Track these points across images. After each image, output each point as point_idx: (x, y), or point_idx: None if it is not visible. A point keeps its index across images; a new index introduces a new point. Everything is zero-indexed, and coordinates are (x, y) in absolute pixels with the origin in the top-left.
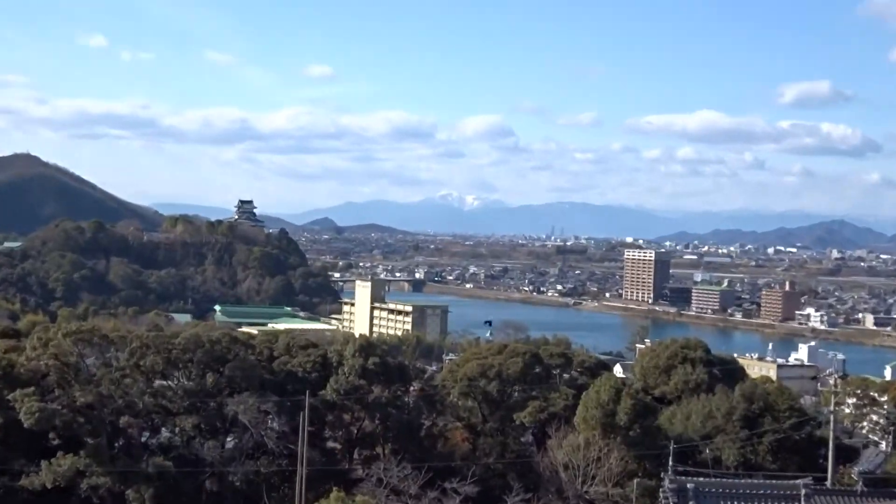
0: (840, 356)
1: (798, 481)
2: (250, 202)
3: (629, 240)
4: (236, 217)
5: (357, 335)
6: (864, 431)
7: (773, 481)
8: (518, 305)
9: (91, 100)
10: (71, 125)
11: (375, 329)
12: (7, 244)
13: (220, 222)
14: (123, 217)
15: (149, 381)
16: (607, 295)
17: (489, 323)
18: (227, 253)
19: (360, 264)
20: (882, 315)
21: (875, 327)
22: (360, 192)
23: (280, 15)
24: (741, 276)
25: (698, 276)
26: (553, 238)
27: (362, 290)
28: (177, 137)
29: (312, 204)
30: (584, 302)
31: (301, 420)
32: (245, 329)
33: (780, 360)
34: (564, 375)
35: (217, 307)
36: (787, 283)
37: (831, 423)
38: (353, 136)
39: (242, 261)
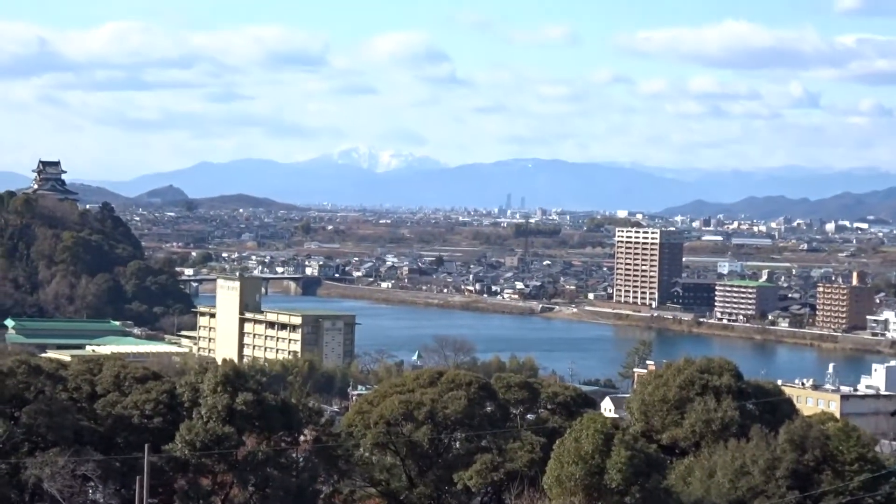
0: None
1: None
2: (56, 164)
3: (622, 213)
4: (36, 187)
5: (220, 361)
6: None
7: None
8: (460, 313)
9: None
10: None
11: (247, 352)
12: None
13: (11, 195)
14: None
15: None
16: (591, 296)
17: None
18: (23, 240)
19: (224, 255)
20: None
21: None
22: (221, 148)
23: None
24: (787, 265)
25: (724, 267)
26: (510, 212)
27: (227, 295)
28: None
29: (150, 166)
30: (557, 307)
31: (138, 488)
32: (52, 354)
33: (845, 389)
34: (529, 416)
35: (9, 322)
36: (856, 276)
37: None
38: (208, 63)
39: (46, 252)
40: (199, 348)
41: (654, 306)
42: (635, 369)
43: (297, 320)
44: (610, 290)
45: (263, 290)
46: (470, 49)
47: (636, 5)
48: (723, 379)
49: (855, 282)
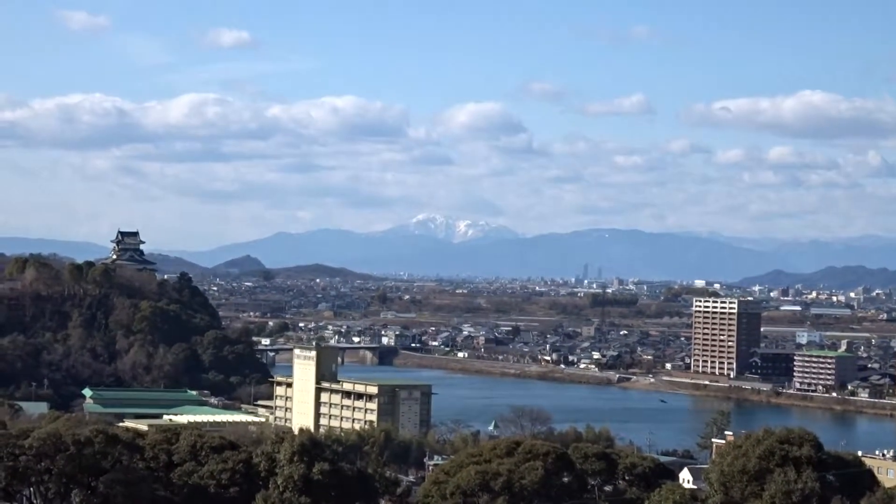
0: None
1: None
2: (135, 234)
3: (699, 283)
4: (115, 257)
5: (297, 430)
6: None
7: None
8: (536, 383)
9: None
10: None
11: (323, 421)
12: None
13: (90, 265)
14: None
15: None
16: (668, 366)
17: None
18: (102, 310)
19: (301, 325)
20: None
21: None
22: (298, 219)
23: None
24: (867, 335)
25: (803, 337)
26: (587, 282)
27: (304, 364)
28: (21, 140)
29: (227, 236)
30: (634, 377)
31: None
32: (129, 424)
33: None
34: (606, 487)
35: (87, 391)
36: None
37: None
38: (285, 134)
39: (124, 322)
40: (275, 418)
41: (732, 376)
42: (714, 440)
43: (374, 390)
44: (687, 360)
45: (340, 359)
46: (545, 119)
47: (711, 76)
48: (803, 450)
49: None
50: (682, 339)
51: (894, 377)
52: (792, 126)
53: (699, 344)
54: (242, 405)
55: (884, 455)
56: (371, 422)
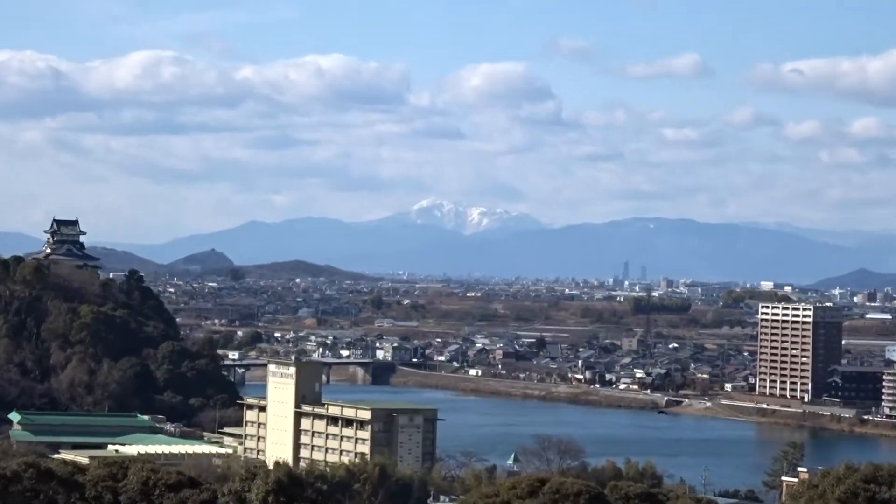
0: None
1: None
2: (74, 223)
3: (766, 286)
4: (49, 251)
5: (272, 465)
6: None
7: None
8: (566, 408)
9: None
10: None
11: (304, 453)
12: None
13: (18, 261)
14: None
15: None
16: (728, 387)
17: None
18: (33, 316)
19: (277, 335)
20: None
21: None
22: (274, 205)
23: None
24: None
25: (894, 352)
26: (628, 284)
27: (280, 384)
28: None
29: (187, 226)
30: (686, 400)
31: None
32: (66, 455)
33: None
34: None
35: (14, 416)
36: None
37: None
38: (258, 100)
39: (60, 330)
40: (245, 449)
41: (806, 400)
42: (784, 478)
43: (366, 415)
44: (752, 380)
45: (325, 377)
46: (577, 84)
47: (779, 30)
48: (893, 490)
49: None
50: (745, 354)
51: None
52: (880, 92)
53: (766, 360)
54: (205, 433)
55: None
56: (363, 454)
